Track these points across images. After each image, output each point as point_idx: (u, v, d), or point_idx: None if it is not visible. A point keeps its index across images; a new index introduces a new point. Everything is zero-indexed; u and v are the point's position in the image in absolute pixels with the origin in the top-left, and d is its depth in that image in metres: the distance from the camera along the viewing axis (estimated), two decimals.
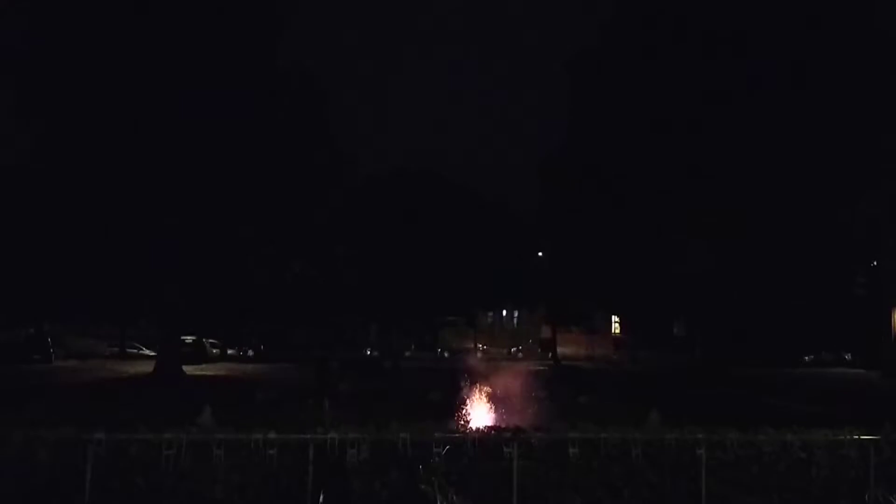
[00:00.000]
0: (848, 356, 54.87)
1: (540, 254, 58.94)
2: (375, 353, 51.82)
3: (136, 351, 49.23)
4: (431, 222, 53.46)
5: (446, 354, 58.38)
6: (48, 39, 29.41)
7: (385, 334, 60.64)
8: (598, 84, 41.16)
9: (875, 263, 45.07)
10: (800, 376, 40.57)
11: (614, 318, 71.40)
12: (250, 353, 56.22)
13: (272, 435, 9.05)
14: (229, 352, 54.39)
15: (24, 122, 30.45)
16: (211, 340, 51.86)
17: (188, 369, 35.35)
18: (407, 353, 56.62)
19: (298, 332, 55.91)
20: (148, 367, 35.01)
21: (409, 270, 52.68)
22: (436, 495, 8.63)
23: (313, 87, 35.49)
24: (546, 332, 66.97)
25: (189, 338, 46.08)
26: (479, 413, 14.49)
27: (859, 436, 9.72)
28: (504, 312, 75.66)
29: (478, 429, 9.98)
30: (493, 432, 9.74)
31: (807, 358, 56.01)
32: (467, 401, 14.90)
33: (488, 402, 15.02)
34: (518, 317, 75.68)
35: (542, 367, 41.79)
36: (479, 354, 60.34)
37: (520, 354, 66.73)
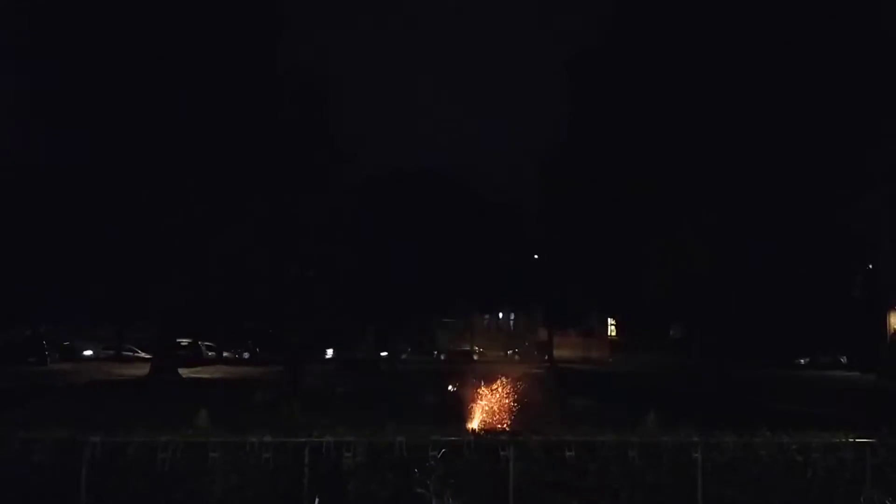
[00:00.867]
0: (844, 359, 54.90)
1: (537, 256, 58.95)
2: (372, 355, 51.67)
3: (131, 353, 49.11)
4: (429, 223, 53.41)
5: (442, 357, 58.36)
6: (48, 39, 29.38)
7: (381, 336, 60.55)
8: (597, 84, 41.16)
9: (872, 266, 45.13)
10: (796, 379, 40.61)
11: (610, 321, 71.43)
12: (246, 355, 56.09)
13: (268, 438, 9.04)
14: (225, 354, 54.26)
15: (22, 123, 30.39)
16: (206, 343, 51.76)
17: (183, 372, 35.29)
18: (403, 356, 56.55)
19: (294, 334, 55.72)
20: (143, 370, 34.94)
21: (406, 272, 52.63)
22: (431, 498, 8.61)
23: (313, 86, 35.48)
24: (542, 335, 66.95)
25: (184, 340, 46.02)
26: (475, 415, 14.49)
27: (855, 438, 9.74)
28: (500, 315, 75.63)
29: (474, 431, 9.97)
30: (489, 435, 9.73)
31: (802, 360, 56.04)
32: (462, 404, 14.89)
33: (484, 404, 15.01)
34: (514, 319, 75.67)
35: (538, 370, 41.78)
36: (475, 356, 60.31)
37: (516, 357, 66.73)
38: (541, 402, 17.59)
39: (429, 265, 52.48)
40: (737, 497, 9.37)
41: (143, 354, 46.90)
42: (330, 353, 54.86)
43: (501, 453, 9.15)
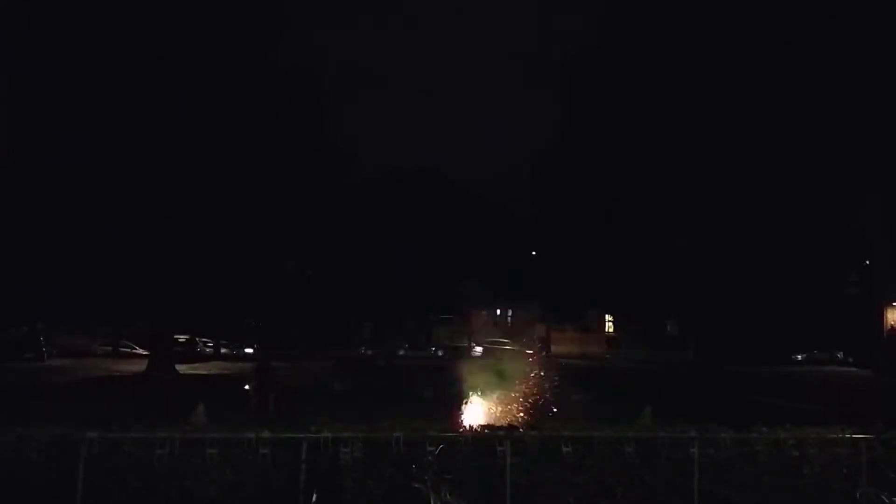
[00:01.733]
0: (840, 355, 55.00)
1: (534, 252, 58.96)
2: (369, 352, 51.69)
3: (128, 350, 49.00)
4: (427, 221, 53.47)
5: (440, 353, 58.23)
6: (47, 39, 29.32)
7: (379, 332, 60.61)
8: (595, 85, 41.21)
9: (867, 262, 45.19)
10: (792, 375, 40.69)
11: (608, 317, 71.44)
12: (248, 350, 56.01)
13: (265, 434, 9.04)
14: (223, 350, 54.19)
15: (20, 122, 30.35)
16: (204, 339, 51.69)
17: (181, 368, 35.23)
18: (401, 352, 56.52)
19: (292, 331, 55.77)
20: (140, 366, 34.88)
21: (404, 269, 52.70)
22: (429, 494, 8.62)
23: (311, 86, 35.46)
24: (540, 331, 66.96)
25: (182, 336, 45.95)
26: (473, 411, 14.48)
27: (851, 434, 9.76)
28: (498, 311, 75.63)
29: (471, 427, 9.98)
30: (486, 430, 9.74)
31: (799, 357, 56.11)
32: (460, 399, 14.87)
33: (481, 400, 15.00)
34: (512, 315, 75.66)
35: (536, 366, 41.68)
36: (472, 353, 60.30)
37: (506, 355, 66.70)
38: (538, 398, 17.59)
39: (426, 263, 52.56)
40: (733, 492, 9.39)
41: (140, 350, 46.82)
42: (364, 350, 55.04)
43: (498, 448, 9.16)
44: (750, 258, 37.32)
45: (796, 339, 55.15)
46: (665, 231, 37.25)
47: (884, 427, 9.89)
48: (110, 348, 49.64)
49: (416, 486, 8.74)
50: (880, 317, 42.19)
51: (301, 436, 9.05)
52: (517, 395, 14.47)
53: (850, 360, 50.39)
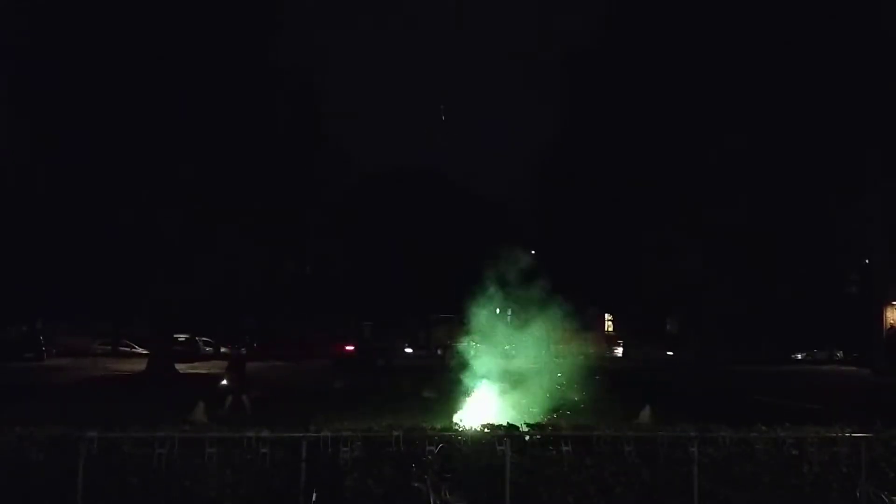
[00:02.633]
0: (839, 354, 55.01)
1: (534, 251, 58.90)
2: (369, 351, 51.57)
3: (128, 349, 49.02)
4: (426, 220, 53.49)
5: (440, 352, 58.23)
6: (47, 39, 29.34)
7: (378, 332, 60.59)
8: (593, 85, 41.24)
9: (867, 262, 45.21)
10: (792, 374, 40.70)
11: (608, 316, 71.45)
12: (243, 350, 56.04)
13: (265, 433, 9.05)
14: (223, 350, 54.16)
15: (19, 120, 30.35)
16: (204, 338, 51.68)
17: (180, 367, 35.25)
18: (407, 350, 56.57)
19: (292, 330, 55.75)
20: (140, 365, 34.91)
21: (403, 268, 52.71)
22: (429, 493, 8.63)
23: (311, 86, 35.47)
24: (539, 330, 66.89)
25: (182, 336, 45.94)
26: (472, 410, 14.50)
27: (851, 433, 9.76)
28: (498, 310, 75.61)
29: (471, 426, 9.98)
30: (486, 429, 9.75)
31: (798, 356, 56.15)
32: (459, 398, 14.90)
33: (481, 398, 15.03)
34: (511, 314, 75.65)
35: (535, 364, 41.73)
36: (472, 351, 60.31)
37: (512, 352, 66.67)
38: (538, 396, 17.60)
39: (426, 262, 52.58)
40: (732, 491, 9.39)
41: (140, 350, 46.83)
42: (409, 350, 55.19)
43: (498, 447, 9.17)
44: (749, 257, 37.33)
45: (796, 339, 55.19)
46: (665, 230, 37.25)
47: (883, 426, 9.89)
48: (110, 347, 49.66)
49: (416, 485, 8.75)
50: (880, 316, 42.22)
51: (301, 435, 9.06)
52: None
53: (850, 359, 50.39)
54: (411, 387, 24.55)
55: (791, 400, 24.26)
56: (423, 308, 60.61)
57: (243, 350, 26.94)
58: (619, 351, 59.88)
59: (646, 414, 15.16)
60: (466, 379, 15.28)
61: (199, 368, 38.00)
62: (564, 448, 9.24)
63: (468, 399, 14.95)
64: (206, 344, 51.85)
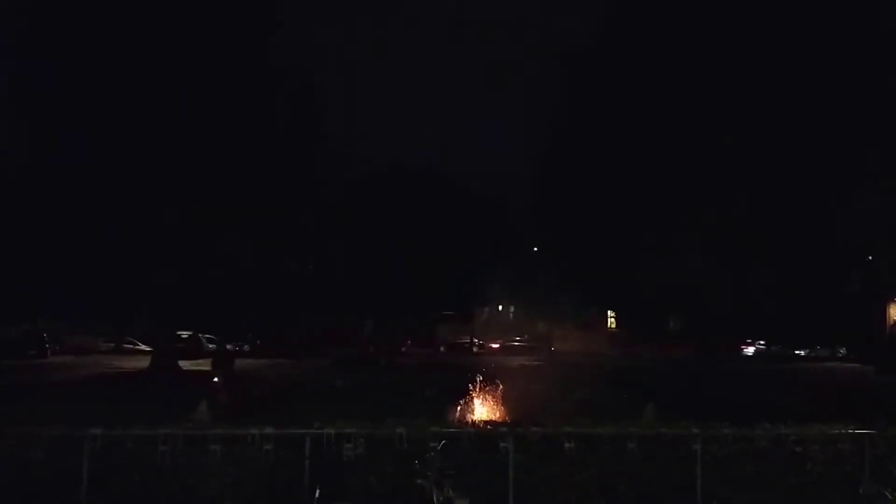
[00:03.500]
0: (842, 351, 54.93)
1: (535, 249, 58.91)
2: (371, 349, 51.67)
3: (131, 346, 49.12)
4: (427, 218, 53.47)
5: (441, 349, 58.35)
6: (47, 39, 29.37)
7: (381, 329, 60.63)
8: (593, 84, 41.23)
9: (869, 259, 45.18)
10: (795, 371, 40.67)
11: (610, 314, 71.47)
12: (246, 348, 56.12)
13: (268, 430, 9.05)
14: (227, 347, 54.28)
15: (20, 119, 30.39)
16: (207, 336, 51.77)
17: (184, 364, 35.31)
18: (402, 349, 56.58)
19: (295, 328, 55.84)
20: (143, 363, 34.98)
21: (405, 266, 52.70)
22: (432, 490, 8.63)
23: (311, 86, 35.48)
24: (542, 328, 66.95)
25: (185, 333, 46.02)
26: (475, 408, 14.51)
27: (853, 430, 9.75)
28: (500, 307, 75.61)
29: (474, 423, 9.99)
30: (488, 427, 9.74)
31: (801, 353, 56.09)
32: (461, 397, 14.89)
33: (484, 396, 15.03)
34: (514, 312, 75.63)
35: (537, 362, 41.82)
36: (475, 349, 60.37)
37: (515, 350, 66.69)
38: (539, 394, 17.64)
39: (427, 260, 52.57)
40: (735, 489, 9.39)
41: (143, 347, 46.91)
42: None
43: (501, 445, 9.17)
44: (751, 255, 37.32)
45: (798, 336, 55.12)
46: (665, 228, 37.25)
47: (886, 423, 9.88)
48: (113, 345, 49.78)
49: (419, 482, 8.75)
50: (882, 313, 42.25)
51: (304, 432, 9.07)
52: None
53: (852, 356, 50.33)
54: (413, 385, 24.57)
55: (794, 397, 24.25)
56: (424, 306, 60.64)
57: (229, 346, 26.89)
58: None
59: (649, 412, 15.14)
60: (467, 377, 15.27)
61: (203, 365, 38.05)
62: (567, 446, 9.24)
63: (470, 397, 14.94)
64: (210, 341, 51.94)
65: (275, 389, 24.88)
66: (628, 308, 57.98)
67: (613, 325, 72.01)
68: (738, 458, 9.46)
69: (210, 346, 51.18)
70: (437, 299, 59.80)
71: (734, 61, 35.02)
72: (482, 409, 14.49)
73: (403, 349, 55.66)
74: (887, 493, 9.17)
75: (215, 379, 20.32)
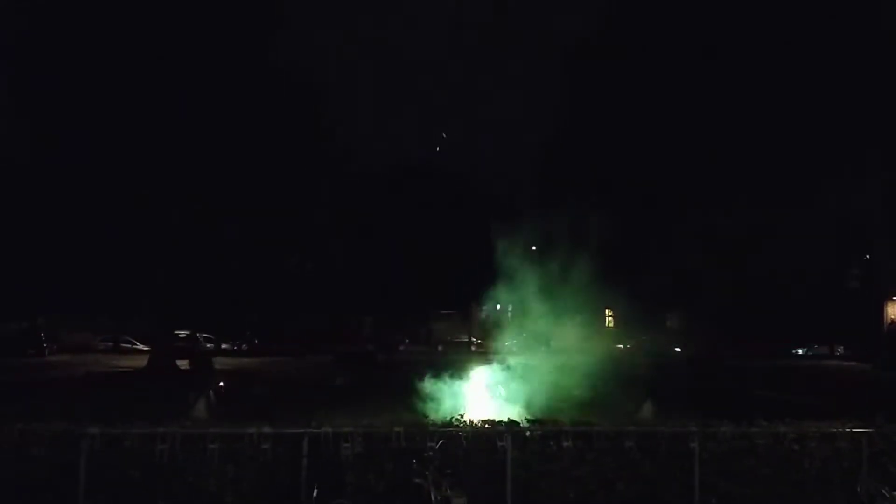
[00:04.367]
0: (840, 349, 54.95)
1: (534, 248, 58.87)
2: (370, 347, 51.71)
3: (129, 345, 49.10)
4: (426, 217, 53.46)
5: (440, 347, 58.30)
6: (47, 39, 29.35)
7: (379, 328, 60.61)
8: (592, 83, 41.22)
9: (869, 257, 45.22)
10: (793, 369, 40.70)
11: (608, 311, 71.45)
12: (244, 346, 56.12)
13: (266, 429, 9.05)
14: (223, 346, 54.27)
15: (21, 117, 30.36)
16: (205, 335, 51.74)
17: (181, 363, 35.28)
18: (401, 347, 56.59)
19: (294, 326, 55.80)
20: (141, 362, 34.96)
21: (403, 265, 52.70)
22: (430, 488, 8.63)
23: (310, 83, 35.44)
24: (539, 326, 66.95)
25: (182, 332, 45.99)
26: (473, 406, 14.49)
27: (851, 428, 9.77)
28: (498, 306, 75.67)
29: (472, 421, 10.00)
30: (487, 425, 9.75)
31: (800, 351, 56.11)
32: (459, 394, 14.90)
33: (483, 394, 15.05)
34: (512, 310, 75.71)
35: (535, 360, 41.74)
36: (472, 347, 60.37)
37: (514, 348, 66.81)
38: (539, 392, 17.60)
39: (426, 259, 52.56)
40: (733, 486, 9.40)
41: (141, 346, 46.89)
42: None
43: (499, 443, 9.17)
44: (750, 252, 37.33)
45: (797, 334, 55.12)
46: (665, 224, 37.27)
47: (884, 421, 9.89)
48: (111, 344, 49.73)
49: (417, 480, 8.75)
50: (880, 311, 42.30)
51: (302, 431, 9.07)
52: None
53: (851, 353, 50.36)
54: (412, 383, 24.52)
55: (791, 394, 24.28)
56: (423, 305, 60.60)
57: (210, 345, 26.81)
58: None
59: (647, 409, 15.16)
60: (467, 375, 15.29)
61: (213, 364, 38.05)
62: (565, 443, 9.25)
63: (468, 394, 14.95)
64: (208, 340, 51.92)
65: (276, 387, 24.86)
66: (627, 305, 57.93)
67: (612, 323, 72.01)
68: (736, 456, 9.48)
69: (209, 345, 51.20)
70: (435, 298, 59.74)
71: (733, 60, 35.04)
72: (480, 407, 14.48)
73: (401, 347, 55.65)
74: (885, 491, 9.18)
75: (220, 383, 20.29)
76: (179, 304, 35.18)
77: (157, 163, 29.87)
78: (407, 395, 15.39)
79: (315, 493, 8.73)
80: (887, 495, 9.15)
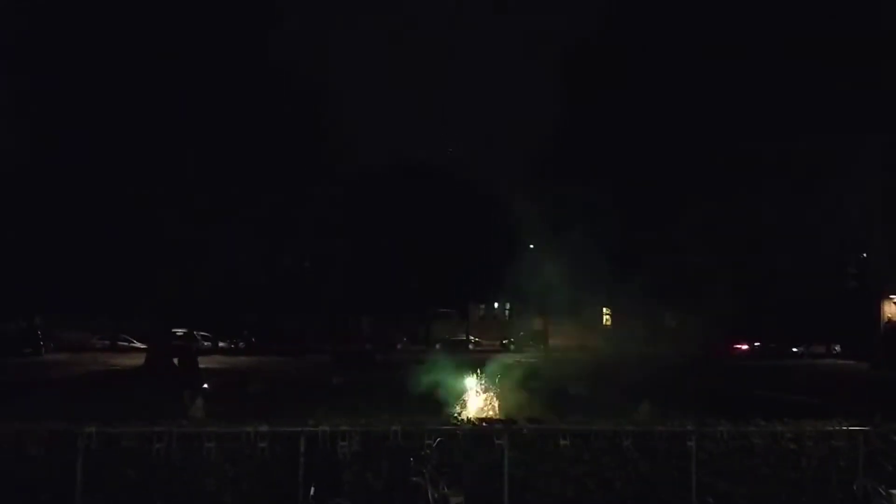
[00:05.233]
0: (837, 348, 55.03)
1: (532, 246, 58.89)
2: (368, 346, 51.75)
3: (126, 344, 49.07)
4: (425, 216, 53.45)
5: (438, 346, 58.32)
6: (47, 38, 29.32)
7: (377, 326, 60.62)
8: (591, 81, 41.24)
9: (865, 256, 45.27)
10: (790, 368, 40.76)
11: (605, 310, 71.47)
12: (241, 345, 56.14)
13: (264, 427, 9.04)
14: (220, 344, 54.27)
15: (20, 117, 30.31)
16: (202, 333, 51.70)
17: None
18: (399, 346, 56.62)
19: (292, 325, 55.80)
20: (139, 360, 34.95)
21: (402, 264, 52.70)
22: (427, 487, 8.63)
23: (308, 82, 35.43)
24: (538, 324, 66.97)
25: (180, 331, 45.95)
26: (471, 404, 14.52)
27: (848, 426, 9.78)
28: (496, 305, 75.61)
29: (469, 420, 9.99)
30: (484, 424, 9.74)
31: (797, 349, 56.18)
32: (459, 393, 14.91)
33: (480, 393, 15.06)
34: (510, 309, 75.67)
35: (533, 359, 41.85)
36: (470, 346, 60.40)
37: (511, 346, 66.79)
38: (535, 391, 17.64)
39: (425, 258, 52.56)
40: (731, 485, 9.40)
41: (138, 345, 46.85)
42: None
43: (496, 442, 9.17)
44: (748, 251, 37.37)
45: (794, 333, 55.18)
46: (663, 224, 37.28)
47: (880, 420, 9.91)
48: (108, 342, 49.70)
49: (415, 479, 8.75)
50: (877, 310, 42.34)
51: (299, 430, 9.05)
52: None
53: (848, 352, 50.43)
54: (409, 381, 24.52)
55: (789, 394, 24.31)
56: (421, 304, 60.60)
57: (207, 343, 26.77)
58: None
59: (645, 408, 15.17)
60: (464, 374, 15.30)
61: (199, 363, 38.01)
62: (563, 442, 9.24)
63: (466, 393, 14.96)
64: (205, 339, 51.89)
65: (274, 386, 24.85)
66: (624, 304, 57.96)
67: (609, 322, 72.03)
68: (733, 455, 9.48)
69: (206, 343, 51.17)
70: (434, 297, 59.76)
71: (733, 59, 35.05)
72: (477, 406, 14.50)
73: (399, 346, 55.66)
74: (882, 489, 9.19)
75: (204, 385, 20.21)
76: (178, 303, 35.16)
77: (156, 162, 29.85)
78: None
79: (312, 492, 8.72)
80: (884, 493, 9.16)
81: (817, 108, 34.05)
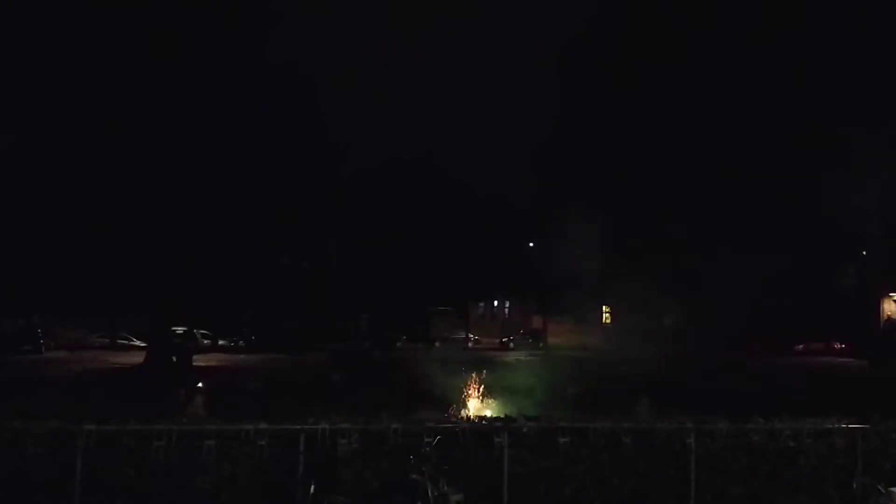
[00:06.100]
0: (836, 346, 55.07)
1: (531, 244, 58.95)
2: (366, 344, 51.77)
3: (125, 342, 49.08)
4: (423, 213, 53.52)
5: (437, 344, 58.35)
6: (47, 38, 29.31)
7: (376, 325, 60.65)
8: (588, 79, 41.24)
9: (864, 254, 45.28)
10: (789, 366, 40.78)
11: (605, 309, 71.52)
12: (241, 343, 56.17)
13: (263, 425, 9.04)
14: (220, 342, 54.30)
15: (16, 116, 30.30)
16: (202, 331, 51.73)
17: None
18: (398, 344, 56.64)
19: (291, 323, 55.81)
20: (138, 358, 34.95)
21: (400, 261, 52.75)
22: (426, 485, 8.63)
23: (305, 81, 35.47)
24: (537, 323, 67.03)
25: (180, 328, 45.98)
26: (470, 402, 14.53)
27: (847, 424, 9.79)
28: (495, 303, 75.71)
29: (469, 418, 9.99)
30: (483, 422, 9.75)
31: (796, 348, 56.22)
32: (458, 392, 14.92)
33: (480, 391, 15.06)
34: (509, 307, 75.76)
35: (532, 357, 41.91)
36: (469, 344, 60.43)
37: (511, 345, 66.86)
38: (535, 389, 17.65)
39: (421, 255, 52.63)
40: (729, 483, 9.41)
41: (137, 342, 46.86)
42: None
43: (496, 440, 9.18)
44: (746, 250, 37.37)
45: (794, 331, 55.20)
46: (660, 222, 37.31)
47: (879, 418, 9.92)
48: (108, 340, 49.69)
49: (414, 477, 8.75)
50: (876, 308, 42.36)
51: (299, 427, 9.06)
52: None
53: (847, 351, 50.46)
54: (408, 379, 24.56)
55: (788, 392, 24.32)
56: (420, 302, 60.68)
57: (189, 343, 26.77)
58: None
59: (643, 406, 15.18)
60: (463, 372, 15.30)
61: (198, 361, 38.01)
62: (562, 440, 9.25)
63: (465, 391, 14.97)
64: (205, 336, 51.92)
65: (272, 384, 24.85)
66: (623, 303, 57.99)
67: (608, 320, 72.07)
68: (732, 453, 9.49)
69: (205, 341, 51.20)
70: (433, 295, 59.83)
71: (730, 59, 35.06)
72: (476, 404, 14.50)
73: (398, 344, 55.69)
74: (880, 487, 9.20)
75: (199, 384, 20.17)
76: (178, 301, 35.19)
77: (154, 162, 29.85)
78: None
79: (311, 490, 8.73)
80: (883, 491, 9.18)
81: (817, 107, 34.07)
